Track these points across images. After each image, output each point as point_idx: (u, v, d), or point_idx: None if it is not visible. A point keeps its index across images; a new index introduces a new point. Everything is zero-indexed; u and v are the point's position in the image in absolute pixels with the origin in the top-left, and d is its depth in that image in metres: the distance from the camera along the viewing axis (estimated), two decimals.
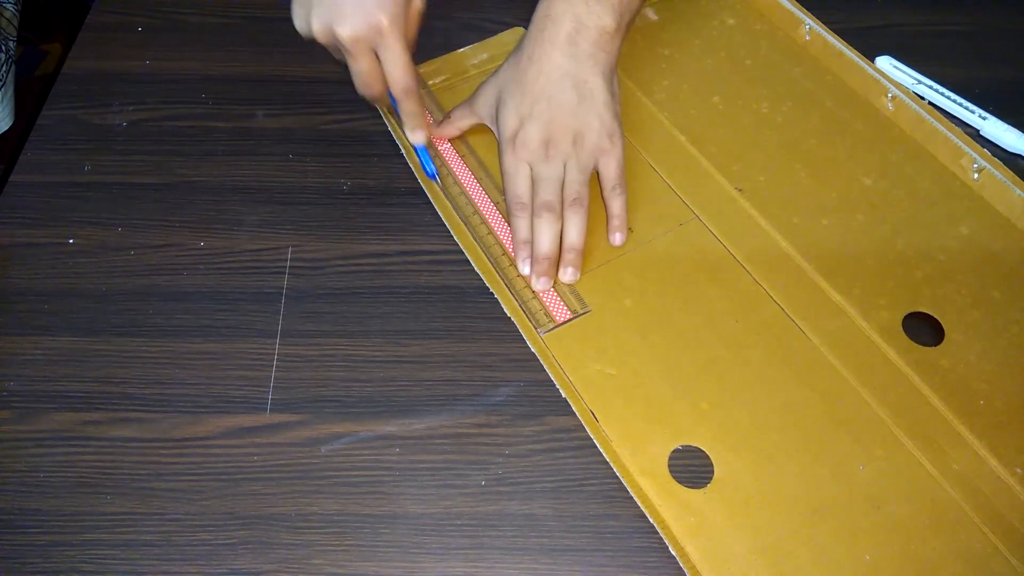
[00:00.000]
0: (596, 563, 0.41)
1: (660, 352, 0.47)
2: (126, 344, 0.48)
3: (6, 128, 0.78)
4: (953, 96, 0.59)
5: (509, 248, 0.51)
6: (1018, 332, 0.47)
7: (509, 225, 0.51)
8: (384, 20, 0.47)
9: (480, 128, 0.57)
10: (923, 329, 0.48)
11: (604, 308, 0.49)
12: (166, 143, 0.58)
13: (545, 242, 0.49)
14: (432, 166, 0.52)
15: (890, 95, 0.58)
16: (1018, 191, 0.52)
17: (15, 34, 0.77)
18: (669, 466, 0.43)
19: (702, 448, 0.43)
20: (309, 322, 0.49)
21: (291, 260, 0.52)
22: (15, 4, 0.77)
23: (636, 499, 0.42)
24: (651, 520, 0.41)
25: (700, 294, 0.49)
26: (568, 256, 0.50)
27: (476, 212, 0.53)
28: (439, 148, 0.57)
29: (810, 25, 0.62)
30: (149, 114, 0.60)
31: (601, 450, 0.43)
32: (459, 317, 0.49)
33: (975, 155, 0.54)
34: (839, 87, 0.60)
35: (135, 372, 0.47)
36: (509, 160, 0.51)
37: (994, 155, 0.54)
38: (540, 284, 0.49)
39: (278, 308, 0.49)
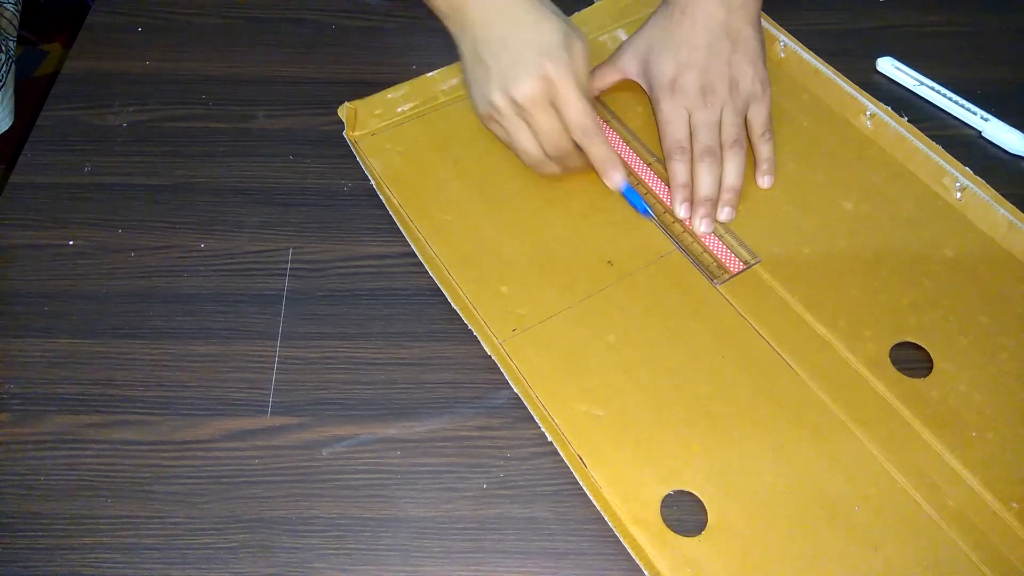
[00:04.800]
0: (598, 567, 0.41)
1: (647, 390, 0.45)
2: (126, 346, 0.48)
3: (6, 128, 0.78)
4: (955, 97, 0.58)
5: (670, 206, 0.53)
6: (1007, 358, 0.46)
7: (667, 171, 0.53)
8: (549, 65, 0.47)
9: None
10: (911, 359, 0.46)
11: (586, 344, 0.47)
12: (166, 144, 0.58)
13: (707, 185, 0.52)
14: (644, 203, 0.51)
15: (868, 113, 0.56)
16: (1002, 210, 0.51)
17: (15, 34, 0.77)
18: (662, 512, 0.41)
19: (694, 492, 0.42)
20: (310, 324, 0.49)
21: (292, 262, 0.52)
22: (15, 4, 0.77)
23: (630, 550, 0.40)
24: (647, 574, 0.39)
25: (684, 328, 0.47)
26: (727, 196, 0.52)
27: (631, 174, 0.54)
28: None
29: (785, 42, 0.61)
30: (149, 115, 0.59)
31: (591, 497, 0.41)
32: (461, 319, 0.49)
33: (957, 174, 0.52)
34: (816, 106, 0.58)
35: (135, 374, 0.47)
36: (667, 107, 0.53)
37: (996, 157, 0.54)
38: (704, 226, 0.51)
39: (279, 310, 0.49)
